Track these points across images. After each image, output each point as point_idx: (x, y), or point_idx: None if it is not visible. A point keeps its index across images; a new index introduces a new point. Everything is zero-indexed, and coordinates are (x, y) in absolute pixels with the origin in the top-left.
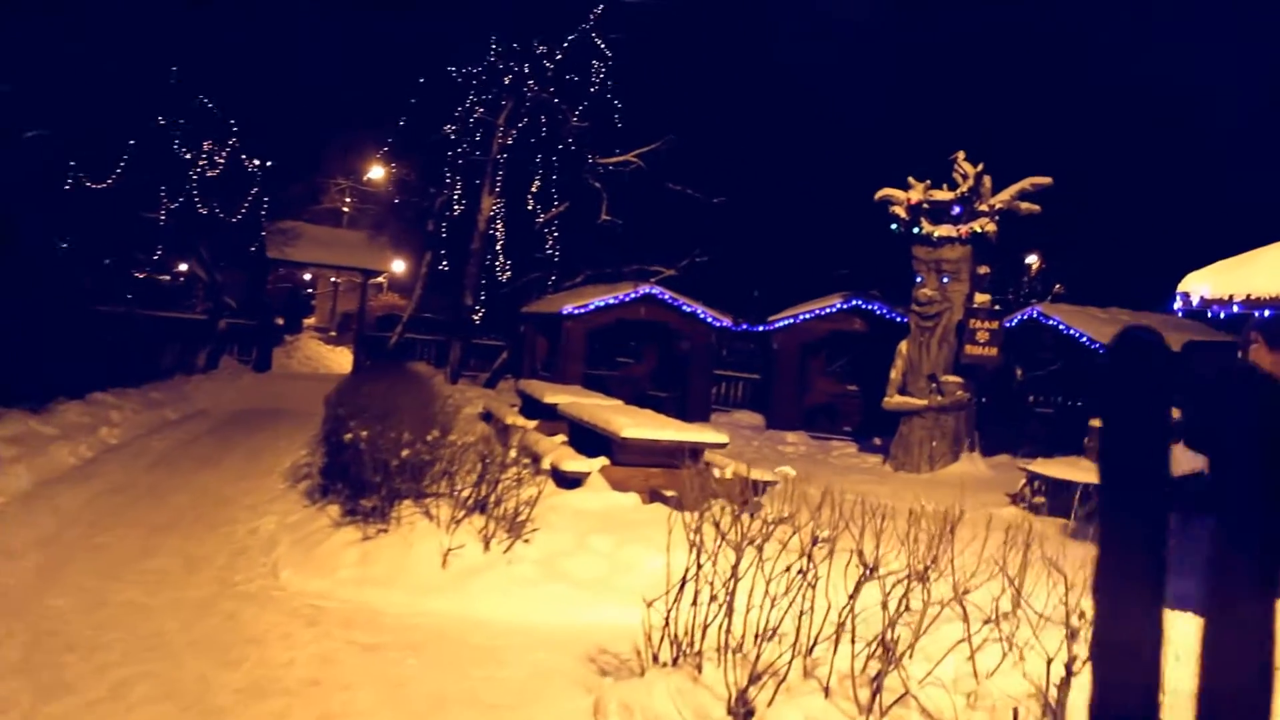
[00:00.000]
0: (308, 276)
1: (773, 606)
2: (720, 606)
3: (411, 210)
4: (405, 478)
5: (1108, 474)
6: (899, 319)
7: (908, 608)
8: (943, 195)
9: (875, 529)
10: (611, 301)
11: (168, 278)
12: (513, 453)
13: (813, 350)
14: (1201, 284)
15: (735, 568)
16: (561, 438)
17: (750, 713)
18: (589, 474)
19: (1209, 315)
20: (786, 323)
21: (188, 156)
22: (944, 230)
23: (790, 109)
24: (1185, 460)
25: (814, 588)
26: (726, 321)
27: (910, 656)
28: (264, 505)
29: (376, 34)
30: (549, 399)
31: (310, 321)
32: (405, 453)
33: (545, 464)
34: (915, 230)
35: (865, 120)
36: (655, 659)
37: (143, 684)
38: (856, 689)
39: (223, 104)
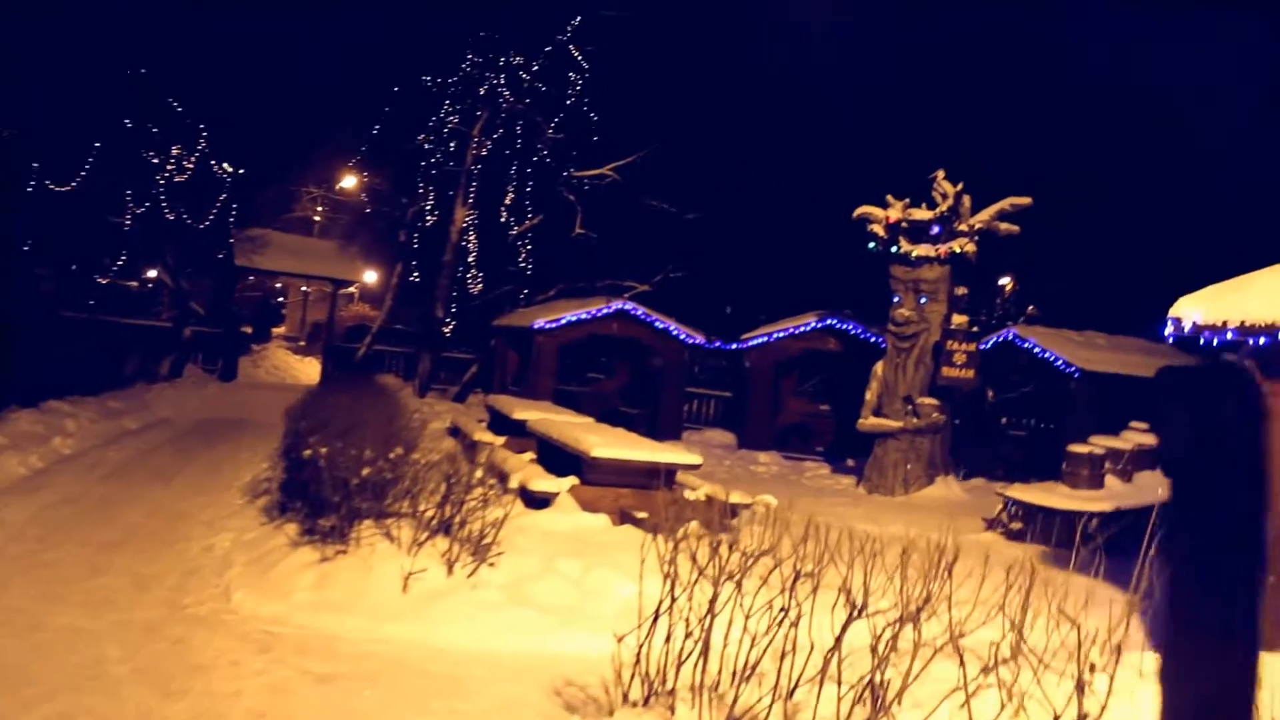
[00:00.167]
0: (279, 285)
1: (752, 645)
2: (696, 643)
3: (383, 220)
4: (366, 497)
5: (1183, 527)
6: (873, 339)
7: (895, 649)
8: (922, 214)
9: (864, 564)
10: (584, 316)
11: (135, 284)
12: (479, 472)
13: (786, 369)
14: (1194, 309)
15: (712, 603)
16: (530, 455)
17: None
18: (558, 494)
19: (1201, 342)
20: (760, 341)
21: (155, 160)
22: (922, 250)
23: (767, 125)
24: (1161, 488)
25: (796, 626)
26: (699, 339)
27: (899, 703)
28: (221, 521)
29: (351, 41)
30: (518, 415)
31: (280, 331)
32: (367, 471)
33: (513, 483)
34: (893, 249)
35: (843, 137)
36: (625, 698)
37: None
38: None
39: (193, 108)
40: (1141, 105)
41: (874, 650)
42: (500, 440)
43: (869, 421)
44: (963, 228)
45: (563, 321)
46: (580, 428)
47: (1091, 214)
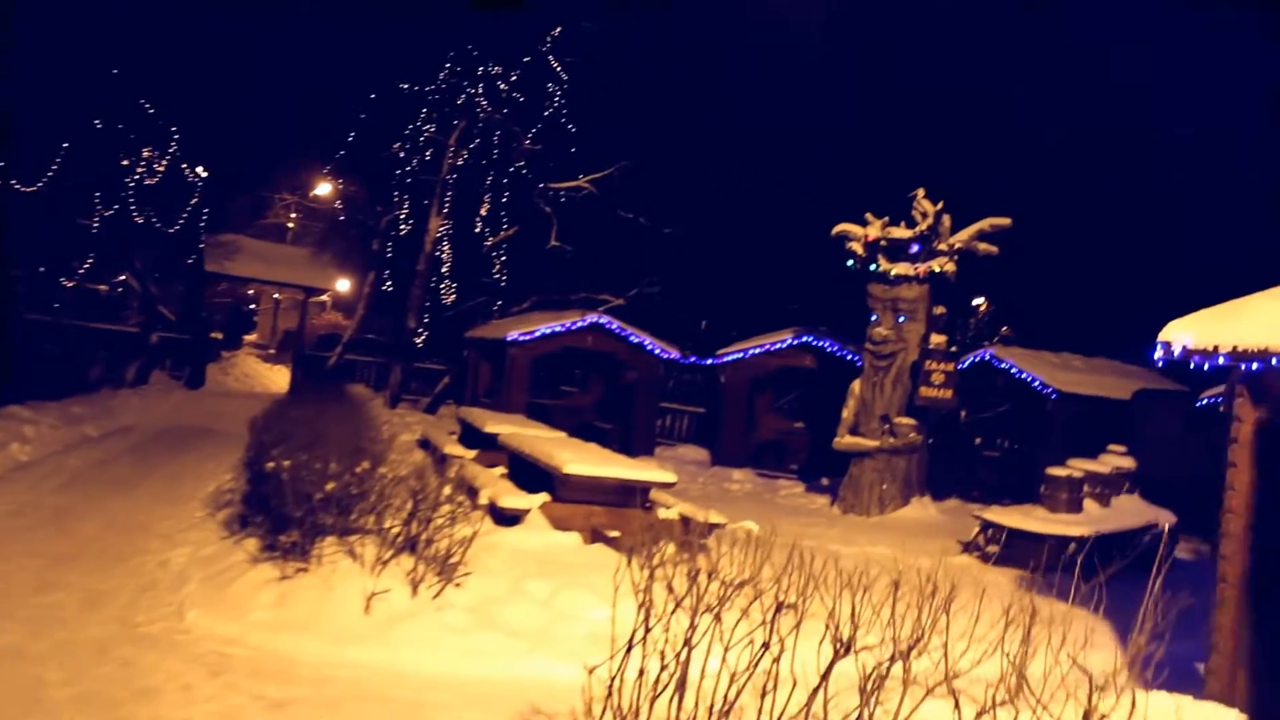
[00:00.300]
0: (250, 292)
1: (731, 681)
2: (671, 677)
3: (357, 228)
4: (330, 512)
5: None
6: (850, 356)
7: (881, 686)
8: (901, 233)
9: (851, 595)
10: (558, 329)
11: (103, 287)
12: (448, 488)
13: (761, 386)
14: (1184, 334)
15: (689, 636)
16: (501, 470)
17: None
18: (529, 511)
19: (1191, 366)
20: (735, 357)
21: (125, 162)
22: (901, 268)
23: (745, 140)
24: (1138, 513)
25: (779, 661)
26: (674, 354)
27: None
28: (179, 534)
29: (328, 48)
30: (490, 428)
31: (251, 338)
32: (331, 485)
33: (483, 498)
34: (872, 267)
35: (822, 154)
36: None
37: None
38: None
39: (165, 110)
40: (1117, 128)
41: (862, 690)
42: (471, 454)
43: (845, 440)
44: (942, 247)
45: (537, 334)
46: (553, 443)
47: (1065, 236)
